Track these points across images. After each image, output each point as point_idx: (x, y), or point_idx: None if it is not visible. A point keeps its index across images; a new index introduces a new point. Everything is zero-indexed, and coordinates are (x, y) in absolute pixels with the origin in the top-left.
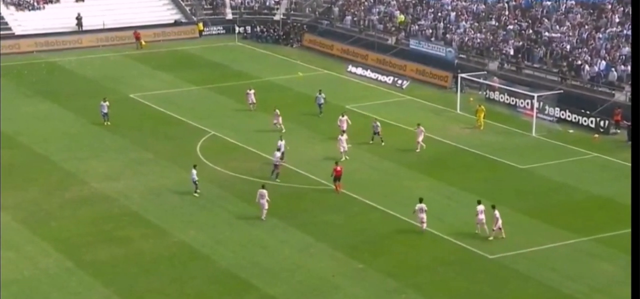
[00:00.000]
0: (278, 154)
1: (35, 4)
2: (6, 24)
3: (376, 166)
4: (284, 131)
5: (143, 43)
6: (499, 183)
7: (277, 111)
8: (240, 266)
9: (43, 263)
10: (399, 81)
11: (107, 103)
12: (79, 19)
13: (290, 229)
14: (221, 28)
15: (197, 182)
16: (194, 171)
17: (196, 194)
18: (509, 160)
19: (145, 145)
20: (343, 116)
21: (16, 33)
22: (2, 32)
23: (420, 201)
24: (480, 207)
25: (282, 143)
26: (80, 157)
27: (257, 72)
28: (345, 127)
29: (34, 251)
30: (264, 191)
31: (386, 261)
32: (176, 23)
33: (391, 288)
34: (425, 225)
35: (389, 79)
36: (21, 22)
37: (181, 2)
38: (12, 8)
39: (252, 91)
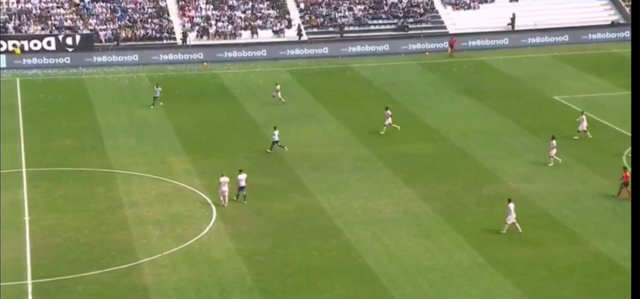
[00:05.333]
0: None
1: (471, 3)
2: (442, 22)
3: None
4: None
5: (449, 51)
6: None
7: None
8: None
9: (457, 255)
10: None
11: (159, 88)
12: (512, 18)
13: None
14: None
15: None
16: (276, 132)
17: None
18: None
19: (564, 149)
20: None
21: (450, 31)
22: (437, 31)
23: None
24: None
25: None
26: (498, 155)
27: None
28: None
29: (449, 242)
30: None
31: None
32: (613, 24)
33: None
34: None
35: None
36: (456, 20)
37: (621, 2)
38: (449, 8)
39: None
